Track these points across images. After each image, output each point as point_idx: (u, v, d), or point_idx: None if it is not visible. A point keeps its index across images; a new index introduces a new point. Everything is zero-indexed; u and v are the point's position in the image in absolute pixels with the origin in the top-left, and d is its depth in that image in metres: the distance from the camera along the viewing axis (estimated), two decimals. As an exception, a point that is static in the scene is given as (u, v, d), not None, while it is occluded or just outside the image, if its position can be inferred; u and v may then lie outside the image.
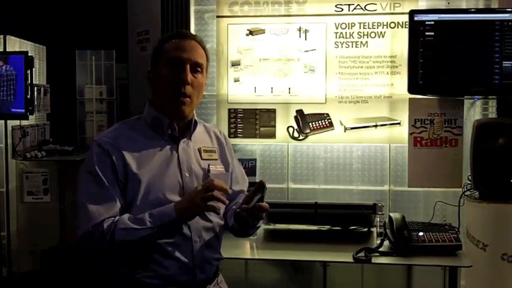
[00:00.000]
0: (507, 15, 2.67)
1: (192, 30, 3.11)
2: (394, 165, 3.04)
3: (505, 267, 2.59)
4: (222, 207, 1.74)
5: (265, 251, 2.60)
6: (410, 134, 2.85)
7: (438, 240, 2.46)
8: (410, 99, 2.83)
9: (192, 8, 3.14)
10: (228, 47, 3.08)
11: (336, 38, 3.01)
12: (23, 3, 5.17)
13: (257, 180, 1.66)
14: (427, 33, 2.69)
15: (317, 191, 3.09)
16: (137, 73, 3.42)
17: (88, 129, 4.82)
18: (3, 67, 4.06)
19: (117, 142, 1.69)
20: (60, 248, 4.23)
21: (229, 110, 3.10)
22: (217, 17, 3.10)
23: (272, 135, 3.07)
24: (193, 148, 1.79)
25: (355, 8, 2.98)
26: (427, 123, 2.83)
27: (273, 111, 3.07)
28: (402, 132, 2.94)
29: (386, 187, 3.05)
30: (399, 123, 2.96)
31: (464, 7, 2.94)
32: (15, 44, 4.30)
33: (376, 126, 2.98)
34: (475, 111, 2.97)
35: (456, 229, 2.60)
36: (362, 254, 2.42)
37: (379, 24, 2.98)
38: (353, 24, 2.99)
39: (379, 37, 2.98)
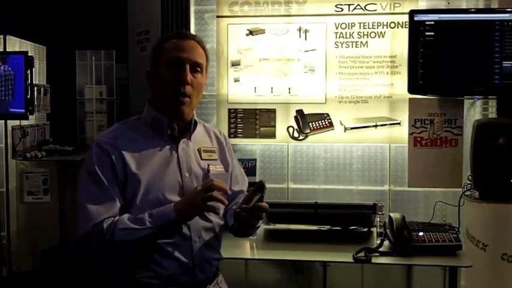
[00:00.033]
0: (507, 15, 2.67)
1: (192, 30, 3.11)
2: (394, 165, 3.04)
3: (505, 267, 2.59)
4: (221, 207, 1.74)
5: (265, 251, 2.59)
6: (410, 134, 2.85)
7: (438, 240, 2.46)
8: (410, 99, 2.83)
9: (192, 8, 3.14)
10: (228, 47, 3.08)
11: (336, 38, 3.01)
12: (23, 3, 5.17)
13: (257, 180, 1.65)
14: (427, 33, 2.69)
15: (317, 191, 3.09)
16: (137, 73, 3.42)
17: (88, 129, 4.82)
18: (1, 67, 4.06)
19: (116, 142, 1.69)
20: (60, 248, 4.23)
21: (229, 110, 3.10)
22: (217, 17, 3.09)
23: (272, 135, 3.07)
24: (193, 148, 1.79)
25: (355, 8, 2.98)
26: (427, 123, 2.83)
27: (273, 111, 3.07)
28: (402, 132, 2.94)
29: (386, 187, 3.05)
30: (399, 123, 2.96)
31: (464, 7, 2.94)
32: (15, 44, 4.30)
33: (376, 126, 2.98)
34: (475, 111, 2.97)
35: (456, 229, 2.60)
36: (362, 254, 2.42)
37: (379, 24, 2.98)
38: (353, 24, 2.99)
39: (379, 37, 2.98)
